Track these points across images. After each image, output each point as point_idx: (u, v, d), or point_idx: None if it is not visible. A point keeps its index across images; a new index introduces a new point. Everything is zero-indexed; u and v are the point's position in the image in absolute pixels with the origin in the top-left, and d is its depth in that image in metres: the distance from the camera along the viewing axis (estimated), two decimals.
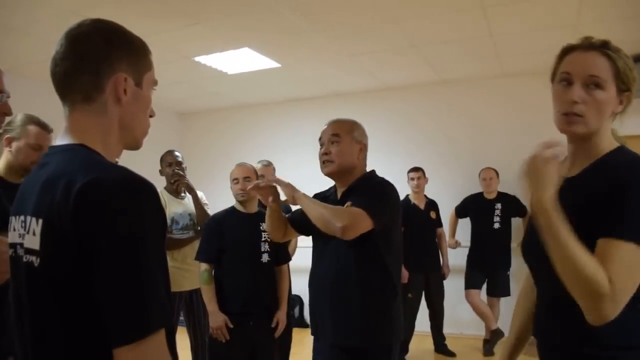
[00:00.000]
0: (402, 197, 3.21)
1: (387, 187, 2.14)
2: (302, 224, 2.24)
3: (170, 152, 3.60)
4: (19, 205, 0.99)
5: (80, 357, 0.88)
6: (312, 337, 2.26)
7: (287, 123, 6.49)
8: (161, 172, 3.59)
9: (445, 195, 5.32)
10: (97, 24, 0.99)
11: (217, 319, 2.79)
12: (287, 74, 5.31)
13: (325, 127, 2.22)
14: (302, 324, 5.67)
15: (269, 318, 2.95)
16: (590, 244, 1.10)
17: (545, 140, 1.17)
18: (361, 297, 2.06)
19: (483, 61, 4.98)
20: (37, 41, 4.00)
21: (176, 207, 3.46)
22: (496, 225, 4.86)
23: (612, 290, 1.04)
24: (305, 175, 4.36)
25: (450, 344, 4.91)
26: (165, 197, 3.43)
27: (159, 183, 3.40)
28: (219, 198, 4.06)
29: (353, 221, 1.91)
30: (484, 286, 4.93)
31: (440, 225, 5.03)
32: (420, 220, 4.76)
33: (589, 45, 1.23)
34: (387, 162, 4.62)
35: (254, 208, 3.02)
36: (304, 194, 2.09)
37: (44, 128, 2.18)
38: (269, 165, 4.04)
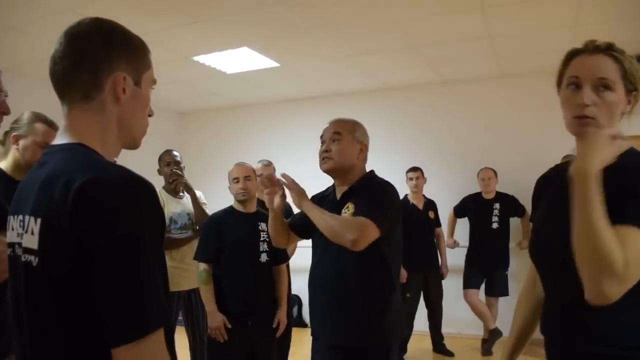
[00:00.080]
0: (400, 197, 3.21)
1: (388, 189, 2.14)
2: (302, 227, 2.25)
3: (168, 152, 3.60)
4: (18, 204, 0.99)
5: (79, 356, 0.87)
6: (310, 337, 2.26)
7: (285, 123, 6.49)
8: (159, 172, 3.59)
9: (444, 195, 5.32)
10: (96, 23, 0.99)
11: (215, 319, 2.79)
12: (285, 74, 5.31)
13: (328, 125, 2.23)
14: (300, 323, 5.67)
15: (268, 318, 2.95)
16: None
17: (610, 131, 1.15)
18: (362, 296, 2.06)
19: (482, 61, 4.98)
20: (35, 40, 3.99)
21: (174, 207, 3.46)
22: (494, 225, 4.86)
23: (624, 272, 1.03)
24: (304, 175, 4.35)
25: (448, 344, 4.92)
26: (163, 196, 3.43)
27: (157, 182, 3.40)
28: (217, 197, 4.05)
29: (362, 233, 1.92)
30: (483, 286, 4.93)
31: (439, 225, 5.03)
32: (419, 220, 4.77)
33: (594, 49, 1.24)
34: (385, 162, 4.61)
35: (252, 208, 3.02)
36: (311, 203, 2.08)
37: (51, 126, 2.18)
38: (269, 164, 4.03)
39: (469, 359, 4.80)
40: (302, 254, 3.32)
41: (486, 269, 4.87)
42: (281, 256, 3.09)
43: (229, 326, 2.78)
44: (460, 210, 5.13)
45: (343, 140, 2.15)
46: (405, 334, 4.62)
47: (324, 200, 2.27)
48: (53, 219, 0.87)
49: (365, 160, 2.24)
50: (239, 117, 6.78)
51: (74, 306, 0.86)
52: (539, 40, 4.32)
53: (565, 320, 1.24)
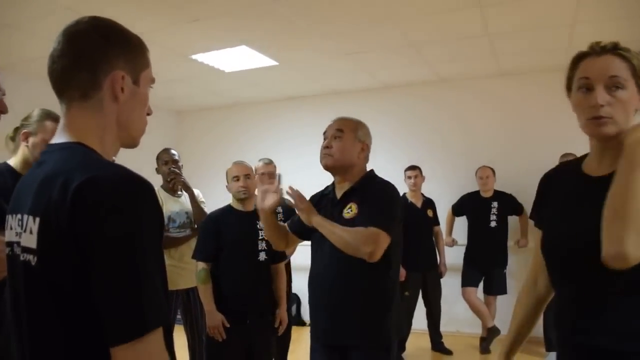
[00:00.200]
0: None
1: (391, 192, 2.16)
2: (301, 230, 2.25)
3: (166, 150, 3.60)
4: (16, 203, 0.99)
5: (78, 355, 0.87)
6: (309, 335, 2.26)
7: (284, 121, 6.49)
8: (157, 170, 3.59)
9: (442, 193, 5.32)
10: (94, 22, 0.99)
11: (214, 318, 2.78)
12: (284, 72, 5.30)
13: (331, 123, 2.24)
14: (299, 322, 5.68)
15: (266, 316, 2.96)
16: None
17: None
18: (363, 296, 2.06)
19: (480, 60, 4.98)
20: (32, 38, 3.98)
21: (173, 206, 3.46)
22: (493, 224, 4.87)
23: None
24: (303, 174, 4.36)
25: (447, 342, 4.92)
26: (162, 195, 3.42)
27: (156, 181, 3.40)
28: (215, 196, 4.05)
29: (377, 245, 1.96)
30: (481, 284, 4.94)
31: (437, 223, 5.04)
32: (417, 219, 4.77)
33: (601, 50, 1.24)
34: (384, 160, 4.61)
35: (251, 206, 3.02)
36: (321, 218, 2.07)
37: None
38: (270, 163, 4.04)
39: (467, 358, 4.81)
40: (302, 253, 3.31)
41: (484, 268, 4.88)
42: (279, 255, 3.08)
43: (228, 325, 2.78)
44: (458, 209, 5.14)
45: (344, 138, 2.16)
46: (404, 333, 4.64)
47: (323, 199, 2.27)
48: (52, 219, 0.87)
49: (366, 159, 2.24)
50: (237, 115, 6.77)
51: (73, 305, 0.86)
52: (537, 39, 4.32)
53: (581, 316, 1.24)
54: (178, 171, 3.47)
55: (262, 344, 2.92)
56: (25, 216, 0.93)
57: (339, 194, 2.20)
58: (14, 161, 2.16)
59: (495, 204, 4.89)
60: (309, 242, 2.28)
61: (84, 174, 0.86)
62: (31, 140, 2.13)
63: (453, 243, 5.12)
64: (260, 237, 2.92)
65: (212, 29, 4.03)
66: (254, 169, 3.99)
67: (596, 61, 1.24)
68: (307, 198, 2.32)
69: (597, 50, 1.25)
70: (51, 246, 0.87)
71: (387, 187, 2.16)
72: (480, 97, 5.59)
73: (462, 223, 5.12)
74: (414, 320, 4.79)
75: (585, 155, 1.36)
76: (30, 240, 0.91)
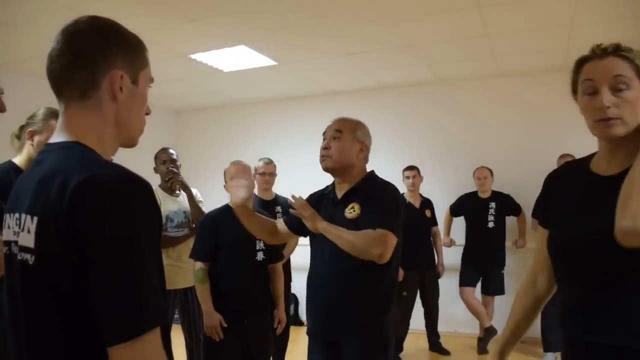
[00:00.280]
0: None
1: (393, 193, 2.18)
2: (298, 226, 2.24)
3: (164, 150, 3.59)
4: (14, 202, 0.99)
5: (76, 354, 0.87)
6: (307, 335, 2.26)
7: (283, 121, 6.49)
8: (156, 170, 3.58)
9: (440, 193, 5.33)
10: (93, 21, 0.99)
11: (211, 318, 2.78)
12: (283, 72, 5.30)
13: (331, 123, 2.25)
14: (297, 322, 5.68)
15: (264, 316, 2.95)
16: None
17: None
18: (363, 295, 2.07)
19: (479, 61, 4.98)
20: (30, 37, 3.98)
21: (171, 205, 3.45)
22: (490, 225, 4.87)
23: None
24: (302, 174, 4.38)
25: (444, 343, 4.93)
26: (159, 194, 3.42)
27: (154, 181, 3.40)
28: (213, 195, 4.05)
29: (386, 246, 1.98)
30: (479, 285, 4.95)
31: (435, 223, 5.04)
32: (415, 219, 4.77)
33: (602, 52, 1.24)
34: (382, 160, 4.61)
35: (249, 206, 3.01)
36: (327, 224, 2.06)
37: None
38: (270, 162, 4.04)
39: (465, 358, 4.82)
40: (302, 253, 3.32)
41: (482, 268, 4.88)
42: (277, 255, 3.09)
43: (225, 325, 2.78)
44: (456, 209, 5.14)
45: (343, 139, 2.16)
46: (401, 333, 4.65)
47: (323, 198, 2.27)
48: (49, 218, 0.87)
49: (365, 160, 2.24)
50: (236, 115, 6.77)
51: (70, 304, 0.86)
52: (535, 40, 4.32)
53: (590, 315, 1.24)
54: (176, 171, 3.47)
55: (260, 344, 2.92)
56: (23, 215, 0.93)
57: (339, 193, 2.20)
58: (19, 159, 2.17)
59: (493, 205, 4.89)
60: (308, 243, 2.28)
61: (82, 173, 0.86)
62: (36, 138, 2.13)
63: (451, 243, 5.13)
64: (258, 237, 2.92)
65: (210, 29, 4.03)
66: (253, 168, 4.00)
67: (598, 64, 1.24)
68: (306, 197, 2.33)
69: (599, 53, 1.24)
70: (49, 245, 0.87)
71: (390, 188, 2.18)
72: (479, 98, 5.60)
73: (460, 223, 5.12)
74: (411, 321, 4.79)
75: (592, 155, 1.35)
76: (28, 239, 0.91)
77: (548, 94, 5.24)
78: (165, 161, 3.52)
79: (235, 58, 4.77)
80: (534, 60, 4.92)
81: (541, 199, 1.48)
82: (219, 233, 2.87)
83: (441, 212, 5.16)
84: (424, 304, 4.92)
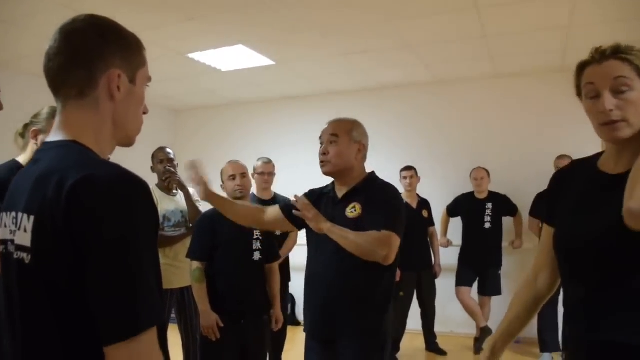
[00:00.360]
0: None
1: (395, 194, 2.19)
2: (297, 218, 2.21)
3: (161, 149, 3.59)
4: (11, 201, 0.99)
5: (72, 353, 0.87)
6: (304, 335, 2.26)
7: (280, 121, 6.48)
8: (153, 169, 3.58)
9: (438, 194, 5.33)
10: (91, 20, 0.99)
11: (208, 318, 2.78)
12: (281, 72, 5.30)
13: (326, 126, 2.23)
14: (294, 322, 5.68)
15: (261, 316, 2.95)
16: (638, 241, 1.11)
17: None
18: (361, 295, 2.07)
19: (476, 61, 4.99)
20: (27, 35, 3.97)
21: (168, 204, 3.45)
22: (487, 225, 4.88)
23: None
24: (299, 173, 4.38)
25: (441, 343, 4.93)
26: (157, 194, 3.42)
27: (151, 180, 3.39)
28: None
29: (391, 248, 2.01)
30: (475, 285, 4.95)
31: (432, 224, 5.05)
32: (413, 219, 4.75)
33: (601, 56, 1.24)
34: (379, 160, 4.63)
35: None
36: (332, 225, 2.05)
37: None
38: (269, 162, 4.05)
39: (461, 358, 4.83)
40: (302, 253, 3.31)
41: (479, 268, 4.89)
42: (273, 255, 3.09)
43: (222, 325, 2.77)
44: (453, 210, 5.15)
45: (340, 142, 2.15)
46: (398, 333, 4.65)
47: (323, 197, 2.26)
48: (46, 217, 0.87)
49: (364, 159, 2.24)
50: (233, 114, 6.77)
51: (67, 303, 0.86)
52: (533, 41, 4.33)
53: (595, 313, 1.24)
54: (173, 170, 3.46)
55: (257, 344, 2.92)
56: (20, 214, 0.93)
57: (340, 193, 2.20)
58: (23, 158, 2.17)
59: (489, 205, 4.90)
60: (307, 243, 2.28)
61: (79, 172, 0.86)
62: (40, 137, 2.13)
63: (448, 244, 5.14)
64: (254, 237, 2.92)
65: (209, 28, 4.03)
66: (252, 168, 4.00)
67: (599, 68, 1.24)
68: (306, 192, 2.33)
69: (597, 57, 1.24)
70: (45, 244, 0.87)
71: (392, 190, 2.19)
72: (476, 99, 5.61)
73: (457, 224, 5.13)
74: (408, 321, 4.79)
75: (599, 154, 1.35)
76: (24, 238, 0.91)
77: (546, 95, 5.26)
78: (162, 160, 3.51)
79: (233, 57, 4.77)
80: (532, 61, 4.92)
81: (548, 197, 1.48)
82: (215, 233, 2.87)
83: (438, 213, 5.16)
84: (420, 304, 4.92)
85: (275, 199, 3.94)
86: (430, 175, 5.34)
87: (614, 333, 1.19)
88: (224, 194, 3.04)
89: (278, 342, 3.87)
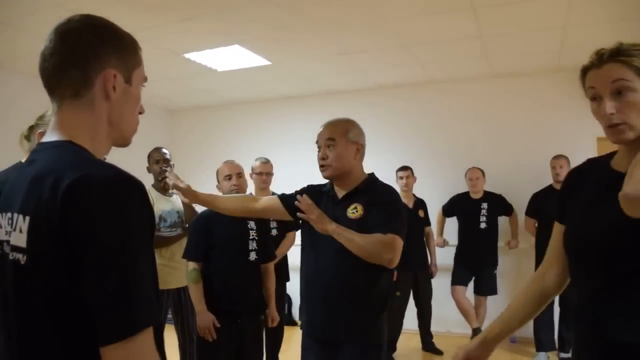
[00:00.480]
0: None
1: (396, 196, 2.21)
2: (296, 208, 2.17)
3: (157, 149, 3.59)
4: (6, 202, 0.98)
5: (68, 354, 0.87)
6: (300, 335, 2.26)
7: (276, 121, 6.48)
8: (149, 169, 3.57)
9: (434, 194, 5.34)
10: (86, 20, 0.99)
11: (204, 319, 2.77)
12: (277, 72, 5.30)
13: (322, 129, 2.23)
14: (290, 321, 5.67)
15: (257, 316, 2.95)
16: None
17: None
18: (360, 294, 2.08)
19: (473, 61, 5.00)
20: (22, 35, 3.95)
21: (164, 205, 3.45)
22: (483, 225, 4.88)
23: None
24: (295, 173, 4.36)
25: (437, 342, 4.94)
26: (153, 194, 3.41)
27: (147, 180, 3.39)
28: None
29: (396, 251, 2.03)
30: (471, 285, 4.96)
31: (429, 224, 5.06)
32: (409, 219, 4.74)
33: (599, 60, 1.24)
34: (375, 160, 4.63)
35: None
36: (337, 226, 2.05)
37: None
38: (267, 162, 4.05)
39: None
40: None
41: (474, 268, 4.90)
42: (269, 255, 3.09)
43: (218, 325, 2.77)
44: (448, 210, 5.16)
45: (338, 146, 2.15)
46: (395, 333, 4.66)
47: (322, 195, 2.25)
48: (42, 218, 0.86)
49: (362, 158, 2.24)
50: (230, 115, 6.76)
51: (63, 304, 0.86)
52: (529, 41, 4.34)
53: (603, 312, 1.24)
54: (169, 170, 3.46)
55: (253, 343, 2.92)
56: (15, 215, 0.92)
57: (339, 193, 2.20)
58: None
59: (485, 205, 4.91)
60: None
61: (74, 172, 0.86)
62: None
63: (444, 244, 5.15)
64: (250, 237, 2.92)
65: (205, 28, 4.02)
66: (250, 168, 4.01)
67: (598, 72, 1.24)
68: (304, 187, 2.33)
69: (596, 62, 1.25)
70: (41, 245, 0.87)
71: (393, 192, 2.21)
72: (472, 99, 5.62)
73: (453, 224, 5.14)
74: (404, 321, 4.80)
75: (614, 153, 1.35)
76: (19, 239, 0.90)
77: (542, 95, 5.27)
78: (158, 160, 3.51)
79: (229, 57, 4.76)
80: (528, 61, 4.94)
81: (560, 195, 1.47)
82: (211, 233, 2.86)
83: (435, 213, 5.17)
84: (417, 304, 4.93)
85: None
86: (426, 175, 5.35)
87: (622, 333, 1.19)
88: (219, 194, 3.04)
89: (275, 341, 3.87)
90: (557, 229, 1.44)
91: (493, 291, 4.88)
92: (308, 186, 2.35)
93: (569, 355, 4.40)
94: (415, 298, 4.91)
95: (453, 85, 5.65)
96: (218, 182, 3.09)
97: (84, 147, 0.96)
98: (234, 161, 3.10)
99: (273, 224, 3.74)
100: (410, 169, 4.94)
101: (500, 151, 5.43)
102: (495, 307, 4.71)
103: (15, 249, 0.91)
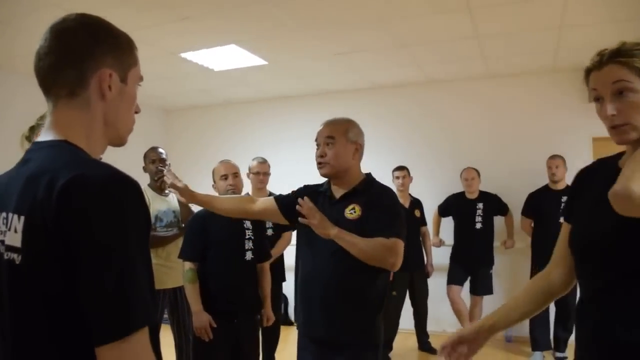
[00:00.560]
0: None
1: (395, 198, 2.21)
2: (292, 210, 2.15)
3: (153, 149, 3.58)
4: (1, 202, 0.98)
5: (64, 354, 0.87)
6: (296, 334, 2.26)
7: (273, 121, 6.48)
8: (145, 169, 3.57)
9: (431, 194, 5.35)
10: (82, 19, 0.98)
11: (201, 319, 2.77)
12: (273, 72, 5.29)
13: (321, 127, 2.23)
14: (286, 321, 5.68)
15: (253, 315, 2.96)
16: None
17: None
18: (357, 294, 2.08)
19: (469, 61, 5.01)
20: (21, 35, 3.94)
21: (160, 205, 3.44)
22: (478, 225, 4.89)
23: None
24: (292, 173, 4.37)
25: (433, 342, 4.95)
26: (149, 194, 3.41)
27: (143, 180, 3.38)
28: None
29: (399, 254, 2.03)
30: (467, 285, 4.97)
31: (425, 223, 5.06)
32: (405, 219, 4.78)
33: (600, 62, 1.24)
34: (372, 160, 4.63)
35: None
36: (340, 230, 2.03)
37: None
38: (264, 162, 4.04)
39: None
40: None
41: (470, 267, 4.91)
42: (264, 254, 3.09)
43: (214, 325, 2.77)
44: (444, 210, 5.16)
45: (337, 144, 2.15)
46: (391, 333, 4.66)
47: (319, 195, 2.25)
48: (37, 217, 0.86)
49: (361, 158, 2.24)
50: (226, 114, 6.75)
51: (58, 304, 0.85)
52: (525, 41, 4.36)
53: (605, 312, 1.24)
54: (165, 170, 3.45)
55: (249, 343, 2.92)
56: (10, 214, 0.92)
57: (337, 193, 2.20)
58: None
59: (480, 205, 4.91)
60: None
61: (70, 172, 0.85)
62: None
63: (440, 243, 5.15)
64: (247, 237, 2.92)
65: (201, 28, 4.02)
66: (248, 167, 4.00)
67: (599, 74, 1.24)
68: (301, 187, 2.32)
69: (597, 64, 1.25)
70: (36, 245, 0.87)
71: (391, 194, 2.21)
72: (469, 99, 5.63)
73: (449, 224, 5.14)
74: (400, 320, 4.80)
75: (622, 153, 1.35)
76: (14, 239, 0.90)
77: (538, 95, 5.29)
78: (154, 160, 3.50)
79: (226, 57, 4.76)
80: (524, 61, 4.95)
81: (568, 195, 1.49)
82: (208, 233, 2.86)
83: (430, 212, 5.18)
84: (413, 304, 4.94)
85: None
86: (422, 175, 5.36)
87: (623, 333, 1.19)
88: (215, 194, 3.04)
89: (271, 341, 3.87)
90: (565, 229, 1.44)
91: (489, 291, 4.88)
92: (305, 186, 2.34)
93: (565, 354, 4.41)
94: (411, 298, 4.92)
95: (449, 85, 5.66)
96: (214, 181, 3.09)
97: (79, 147, 0.96)
98: (230, 161, 3.10)
99: (269, 224, 3.73)
100: (407, 169, 4.94)
101: (496, 151, 5.45)
102: (491, 306, 4.70)
103: (10, 248, 0.91)
